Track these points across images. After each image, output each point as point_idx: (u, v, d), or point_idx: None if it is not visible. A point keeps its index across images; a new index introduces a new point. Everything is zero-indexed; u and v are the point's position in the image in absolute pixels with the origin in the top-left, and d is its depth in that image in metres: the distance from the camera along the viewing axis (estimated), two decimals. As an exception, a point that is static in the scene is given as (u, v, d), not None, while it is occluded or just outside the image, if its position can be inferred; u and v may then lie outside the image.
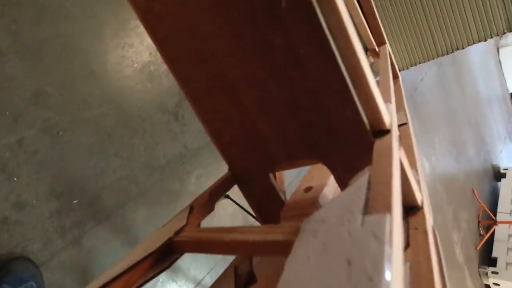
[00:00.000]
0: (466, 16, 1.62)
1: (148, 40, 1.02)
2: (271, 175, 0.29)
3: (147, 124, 1.01)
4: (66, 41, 0.88)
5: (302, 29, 0.21)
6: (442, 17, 1.67)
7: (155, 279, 0.51)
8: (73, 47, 0.89)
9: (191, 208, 0.26)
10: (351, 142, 0.23)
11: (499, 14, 1.56)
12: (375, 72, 1.67)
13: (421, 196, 0.26)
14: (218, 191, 0.30)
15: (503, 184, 4.08)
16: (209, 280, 1.06)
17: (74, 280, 0.81)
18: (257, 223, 0.34)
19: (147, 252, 0.20)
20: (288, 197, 0.32)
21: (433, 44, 1.78)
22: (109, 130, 0.92)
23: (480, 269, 3.19)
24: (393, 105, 0.27)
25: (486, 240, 3.32)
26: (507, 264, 3.15)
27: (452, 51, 1.76)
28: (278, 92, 0.25)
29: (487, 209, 3.50)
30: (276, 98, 0.25)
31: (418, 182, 0.27)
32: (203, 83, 0.27)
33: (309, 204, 0.26)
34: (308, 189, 0.29)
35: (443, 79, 3.28)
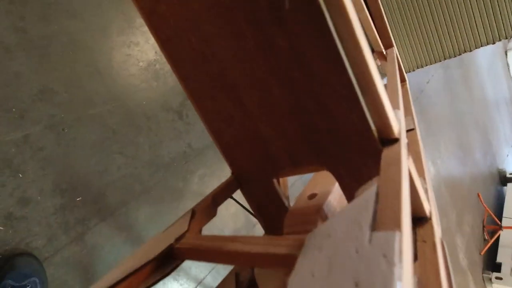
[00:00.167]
0: (474, 18, 1.60)
1: (153, 39, 1.02)
2: (274, 180, 0.29)
3: (152, 122, 1.01)
4: (72, 39, 0.88)
5: (308, 31, 0.20)
6: (450, 19, 1.65)
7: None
8: (79, 44, 0.89)
9: (193, 212, 0.25)
10: (358, 149, 0.23)
11: (508, 16, 1.54)
12: (382, 75, 1.65)
13: (429, 206, 0.25)
14: (221, 196, 0.29)
15: (509, 189, 4.03)
16: (210, 280, 1.06)
17: (77, 276, 0.81)
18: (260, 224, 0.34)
19: (148, 258, 0.20)
20: (291, 202, 0.31)
21: (440, 46, 1.76)
22: (114, 128, 0.93)
23: (484, 275, 3.15)
24: (401, 112, 0.27)
25: (491, 245, 3.29)
26: (512, 269, 3.11)
27: (460, 54, 1.73)
28: (282, 95, 0.24)
29: (492, 214, 3.46)
30: (279, 101, 0.24)
31: (426, 191, 0.27)
32: (205, 84, 0.26)
33: (313, 211, 0.25)
34: (312, 196, 0.28)
35: (450, 81, 3.24)
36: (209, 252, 0.19)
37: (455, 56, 1.75)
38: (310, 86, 0.22)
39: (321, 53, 0.21)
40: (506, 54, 5.55)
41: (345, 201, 0.27)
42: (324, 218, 0.25)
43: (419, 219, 0.25)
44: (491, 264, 3.27)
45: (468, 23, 1.63)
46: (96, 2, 0.93)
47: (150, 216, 0.97)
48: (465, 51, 1.71)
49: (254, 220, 1.20)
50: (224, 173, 1.15)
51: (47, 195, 0.79)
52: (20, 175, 0.76)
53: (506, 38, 1.60)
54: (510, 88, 5.64)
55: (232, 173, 0.31)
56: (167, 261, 0.21)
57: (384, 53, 0.64)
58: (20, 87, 0.78)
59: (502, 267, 3.14)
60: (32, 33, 0.81)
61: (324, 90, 0.22)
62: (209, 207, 0.27)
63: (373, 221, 0.13)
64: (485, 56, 4.45)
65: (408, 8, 1.71)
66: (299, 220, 0.25)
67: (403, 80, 0.64)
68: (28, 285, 0.67)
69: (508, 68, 5.61)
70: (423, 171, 0.32)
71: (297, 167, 0.27)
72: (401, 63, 0.63)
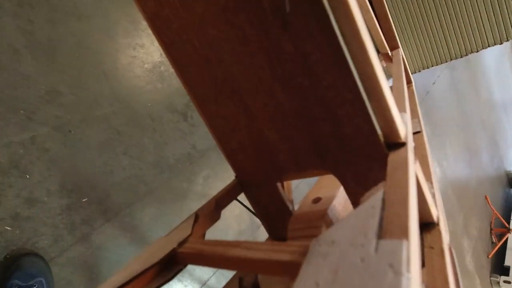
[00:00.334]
0: (481, 18, 1.57)
1: (159, 41, 1.02)
2: (278, 184, 0.29)
3: (157, 123, 1.02)
4: (79, 41, 0.89)
5: (313, 34, 0.20)
6: (456, 19, 1.63)
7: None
8: (85, 46, 0.90)
9: (197, 216, 0.25)
10: (363, 154, 0.22)
11: (517, 16, 1.51)
12: (387, 76, 1.64)
13: (437, 211, 0.25)
14: (225, 199, 0.29)
15: (517, 191, 3.96)
16: (215, 281, 1.06)
17: (82, 276, 0.82)
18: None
19: (151, 262, 0.20)
20: (295, 205, 0.31)
21: (446, 47, 1.74)
22: (119, 129, 0.93)
23: (491, 278, 3.11)
24: (408, 115, 0.26)
25: (499, 248, 3.23)
26: (520, 273, 3.06)
27: (466, 54, 1.71)
28: (287, 99, 0.24)
29: (500, 217, 3.40)
30: (284, 105, 0.24)
31: (433, 196, 0.26)
32: (209, 88, 0.26)
33: (317, 216, 0.25)
34: (317, 200, 0.28)
35: (456, 82, 3.20)
36: (212, 258, 0.19)
37: (461, 57, 1.73)
38: (315, 90, 0.22)
39: (326, 56, 0.21)
40: (514, 55, 5.46)
41: (350, 206, 0.27)
42: (329, 223, 0.25)
43: (427, 225, 0.24)
44: (499, 268, 3.22)
45: (474, 23, 1.60)
46: (102, 5, 0.94)
47: (155, 217, 0.97)
48: (471, 52, 1.68)
49: (258, 222, 1.19)
50: (228, 174, 1.15)
51: (53, 196, 0.80)
52: (27, 176, 0.77)
53: (514, 39, 1.58)
54: (518, 89, 5.55)
55: (236, 177, 0.31)
56: (170, 265, 0.21)
57: (390, 54, 0.63)
58: (28, 89, 0.79)
59: (511, 271, 3.09)
60: (39, 36, 0.82)
61: (329, 94, 0.22)
62: (212, 210, 0.27)
63: (379, 229, 0.13)
64: (493, 57, 4.39)
65: (413, 9, 1.69)
66: (303, 225, 0.25)
67: (409, 81, 0.64)
68: (35, 285, 0.68)
69: (516, 69, 5.52)
70: (430, 175, 0.32)
71: (302, 171, 0.26)
72: (407, 65, 0.63)
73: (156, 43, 1.04)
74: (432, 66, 1.84)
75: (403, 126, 0.22)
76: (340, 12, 0.19)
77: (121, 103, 0.95)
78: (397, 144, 0.21)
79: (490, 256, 3.15)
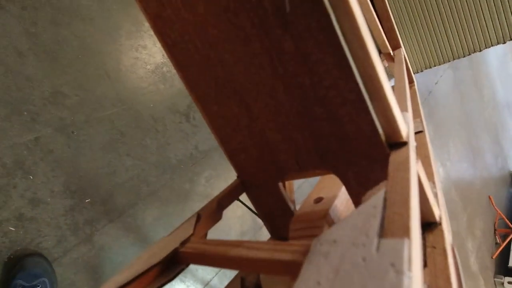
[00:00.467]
0: (484, 17, 1.56)
1: (161, 42, 1.03)
2: (280, 184, 0.29)
3: (159, 124, 1.02)
4: (82, 43, 0.90)
5: (314, 34, 0.20)
6: (459, 18, 1.62)
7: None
8: (89, 48, 0.91)
9: (199, 216, 0.25)
10: (365, 154, 0.22)
11: (520, 15, 1.50)
12: (389, 76, 1.63)
13: (439, 211, 0.25)
14: (227, 199, 0.29)
15: (522, 192, 3.93)
16: (217, 281, 1.06)
17: (85, 277, 0.82)
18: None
19: (153, 261, 0.20)
20: (297, 206, 0.31)
21: (448, 46, 1.72)
22: (122, 130, 0.94)
23: (495, 279, 3.08)
24: (409, 114, 0.26)
25: (503, 249, 3.21)
26: (525, 274, 3.04)
27: (469, 54, 1.70)
28: (288, 99, 0.24)
29: (504, 217, 3.38)
30: (285, 105, 0.24)
31: (435, 195, 0.26)
32: (211, 88, 0.26)
33: (319, 216, 0.25)
34: (319, 200, 0.28)
35: (459, 82, 3.18)
36: (214, 257, 0.19)
37: (464, 56, 1.72)
38: (316, 89, 0.22)
39: (327, 56, 0.21)
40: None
41: (352, 206, 0.27)
42: (330, 222, 0.25)
43: (429, 225, 0.24)
44: (503, 268, 3.20)
45: (477, 22, 1.59)
46: (105, 7, 0.95)
47: (157, 217, 0.98)
48: (474, 51, 1.67)
49: (261, 222, 1.19)
50: (230, 175, 1.16)
51: (57, 197, 0.80)
52: (31, 177, 0.77)
53: (517, 38, 1.56)
54: (522, 88, 5.51)
55: (238, 177, 0.31)
56: (172, 265, 0.21)
57: (392, 54, 0.63)
58: (32, 91, 0.80)
59: (515, 272, 3.06)
60: (43, 38, 0.83)
61: (331, 93, 0.22)
62: (214, 211, 0.27)
63: (380, 228, 0.13)
64: (496, 56, 4.36)
65: (415, 7, 1.68)
66: (304, 225, 0.25)
67: (411, 81, 0.63)
68: (38, 285, 0.68)
69: (520, 68, 5.48)
70: (432, 175, 0.31)
71: (303, 171, 0.26)
72: (409, 64, 0.63)
73: (158, 44, 1.04)
74: (435, 65, 1.83)
75: (405, 125, 0.22)
76: (341, 12, 0.19)
77: (124, 104, 0.95)
78: (399, 144, 0.21)
79: (494, 257, 3.13)
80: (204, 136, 1.12)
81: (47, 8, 0.85)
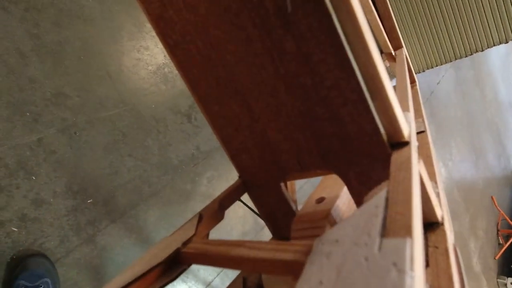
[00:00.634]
0: (486, 16, 1.55)
1: (162, 43, 1.03)
2: (282, 184, 0.29)
3: (161, 125, 1.03)
4: (84, 44, 0.90)
5: (316, 34, 0.20)
6: (461, 18, 1.61)
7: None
8: (91, 49, 0.91)
9: (200, 216, 0.26)
10: (367, 154, 0.22)
11: (522, 14, 1.49)
12: (391, 76, 1.63)
13: (441, 211, 0.25)
14: (228, 200, 0.29)
15: (525, 192, 3.91)
16: (219, 282, 1.06)
17: (88, 277, 0.82)
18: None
19: (155, 261, 0.20)
20: (299, 206, 0.31)
21: (450, 46, 1.72)
22: (124, 131, 0.94)
23: (498, 280, 3.06)
24: (411, 114, 0.26)
25: (506, 249, 3.19)
26: (528, 275, 3.02)
27: (471, 53, 1.69)
28: (290, 99, 0.24)
29: (507, 218, 3.36)
30: (287, 105, 0.24)
31: (437, 195, 0.26)
32: (213, 88, 0.26)
33: (321, 216, 0.25)
34: (321, 200, 0.28)
35: (461, 82, 3.17)
36: (215, 257, 0.19)
37: (466, 56, 1.71)
38: (318, 90, 0.22)
39: (328, 56, 0.21)
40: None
41: (354, 206, 0.27)
42: (332, 222, 0.25)
43: (431, 225, 0.24)
44: (506, 269, 3.18)
45: (479, 22, 1.58)
46: (107, 8, 0.95)
47: (159, 218, 0.98)
48: (476, 51, 1.67)
49: (262, 223, 1.19)
50: (232, 175, 1.16)
51: (60, 197, 0.80)
52: (34, 178, 0.78)
53: (520, 37, 1.56)
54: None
55: (240, 177, 0.31)
56: (174, 265, 0.21)
57: (393, 54, 0.63)
58: (34, 92, 0.80)
59: (518, 273, 3.04)
60: (46, 39, 0.83)
61: (332, 94, 0.22)
62: (216, 211, 0.27)
63: (382, 228, 0.13)
64: (498, 56, 4.34)
65: (417, 7, 1.68)
66: (306, 225, 0.25)
67: (412, 81, 0.63)
68: (41, 286, 0.69)
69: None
70: (434, 175, 0.31)
71: (305, 171, 0.26)
72: (410, 64, 0.62)
73: (160, 45, 1.05)
74: (437, 65, 1.82)
75: (407, 125, 0.22)
76: (343, 12, 0.19)
77: (126, 105, 0.95)
78: (401, 144, 0.21)
79: (497, 258, 3.11)
80: (206, 137, 1.13)
81: (50, 10, 0.85)
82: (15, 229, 0.73)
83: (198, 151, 1.10)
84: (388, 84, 0.21)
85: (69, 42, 0.87)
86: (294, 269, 0.14)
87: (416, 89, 0.61)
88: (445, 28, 1.67)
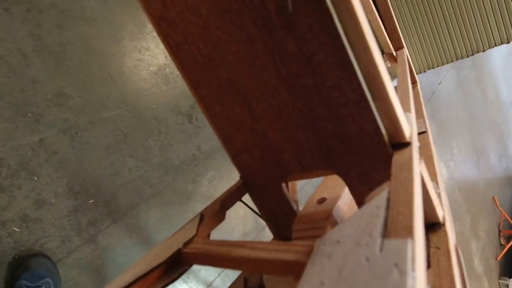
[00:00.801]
0: (487, 16, 1.55)
1: (163, 43, 1.04)
2: (283, 184, 0.29)
3: (162, 125, 1.03)
4: (86, 44, 0.90)
5: (317, 35, 0.20)
6: (462, 18, 1.60)
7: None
8: (92, 50, 0.91)
9: (202, 217, 0.26)
10: (368, 154, 0.22)
11: (524, 14, 1.49)
12: (392, 76, 1.63)
13: (442, 212, 0.25)
14: (230, 200, 0.29)
15: (526, 193, 3.90)
16: (220, 282, 1.06)
17: (89, 277, 0.82)
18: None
19: (156, 262, 0.20)
20: (300, 206, 0.31)
21: (451, 46, 1.71)
22: (125, 131, 0.94)
23: (500, 281, 3.05)
24: (412, 115, 0.26)
25: (507, 250, 3.18)
26: (530, 276, 3.01)
27: (473, 54, 1.68)
28: (291, 100, 0.24)
29: (508, 218, 3.35)
30: (288, 106, 0.24)
31: (439, 196, 0.26)
32: (215, 90, 0.27)
33: (322, 217, 0.25)
34: (322, 200, 0.28)
35: (462, 82, 3.16)
36: (216, 258, 0.19)
37: (467, 56, 1.70)
38: (319, 90, 0.22)
39: (330, 57, 0.21)
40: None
41: (355, 206, 0.27)
42: (334, 223, 0.25)
43: (432, 225, 0.24)
44: (508, 270, 3.17)
45: (481, 22, 1.58)
46: (108, 9, 0.96)
47: (160, 218, 0.98)
48: (478, 51, 1.66)
49: (263, 223, 1.19)
50: (233, 175, 1.16)
51: (61, 198, 0.81)
52: (35, 178, 0.78)
53: (522, 37, 1.55)
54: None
55: (241, 177, 0.31)
56: (175, 265, 0.21)
57: (395, 54, 0.63)
58: (36, 92, 0.80)
59: (520, 274, 3.03)
60: (47, 40, 0.84)
61: (334, 94, 0.22)
62: (217, 211, 0.27)
63: (384, 228, 0.13)
64: (500, 56, 4.33)
65: (418, 8, 1.67)
66: (308, 225, 0.25)
67: (414, 81, 0.63)
68: (42, 286, 0.69)
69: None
70: (435, 175, 0.31)
71: (306, 172, 0.26)
72: (411, 65, 0.62)
73: (161, 46, 1.05)
74: (438, 66, 1.82)
75: (408, 126, 0.22)
76: (344, 12, 0.19)
77: (127, 106, 0.96)
78: (402, 144, 0.21)
79: (498, 258, 3.10)
80: (207, 137, 1.13)
81: (51, 11, 0.85)
82: (17, 229, 0.73)
83: (199, 151, 1.10)
84: (389, 85, 0.21)
85: (71, 43, 0.87)
86: (295, 269, 0.14)
87: (417, 90, 0.61)
88: (446, 29, 1.67)
